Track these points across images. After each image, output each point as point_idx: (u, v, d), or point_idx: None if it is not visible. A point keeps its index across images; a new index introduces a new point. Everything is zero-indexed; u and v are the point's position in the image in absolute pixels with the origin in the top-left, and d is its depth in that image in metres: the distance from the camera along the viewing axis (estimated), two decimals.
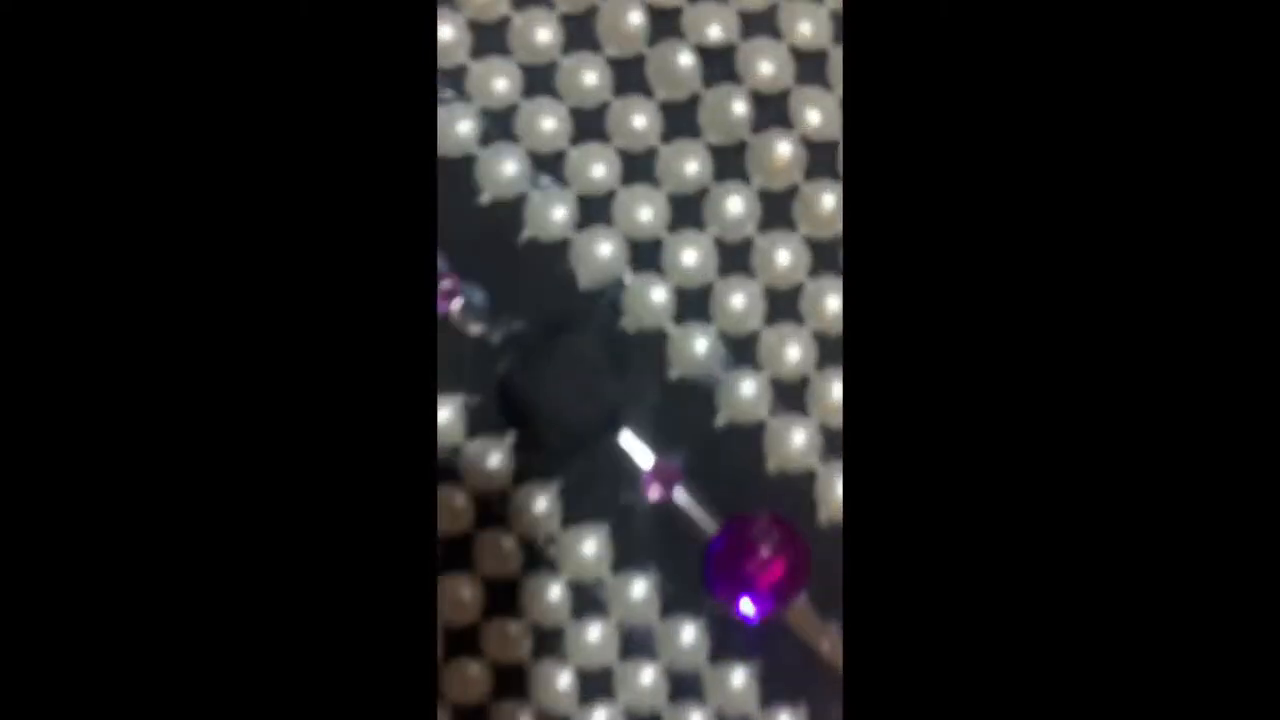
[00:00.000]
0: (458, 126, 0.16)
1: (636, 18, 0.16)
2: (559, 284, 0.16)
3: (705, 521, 0.16)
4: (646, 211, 0.16)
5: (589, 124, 0.16)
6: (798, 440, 0.16)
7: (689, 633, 0.16)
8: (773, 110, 0.16)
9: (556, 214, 0.16)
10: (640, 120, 0.16)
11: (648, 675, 0.16)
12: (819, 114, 0.16)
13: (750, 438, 0.16)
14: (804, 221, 0.16)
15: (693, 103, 0.16)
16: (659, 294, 0.16)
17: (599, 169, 0.16)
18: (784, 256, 0.16)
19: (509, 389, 0.16)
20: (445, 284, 0.16)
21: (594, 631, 0.16)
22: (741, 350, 0.16)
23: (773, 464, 0.16)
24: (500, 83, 0.16)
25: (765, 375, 0.16)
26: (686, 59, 0.16)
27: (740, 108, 0.16)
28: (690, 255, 0.16)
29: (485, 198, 0.16)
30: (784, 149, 0.16)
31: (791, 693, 0.16)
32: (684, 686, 0.16)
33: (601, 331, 0.16)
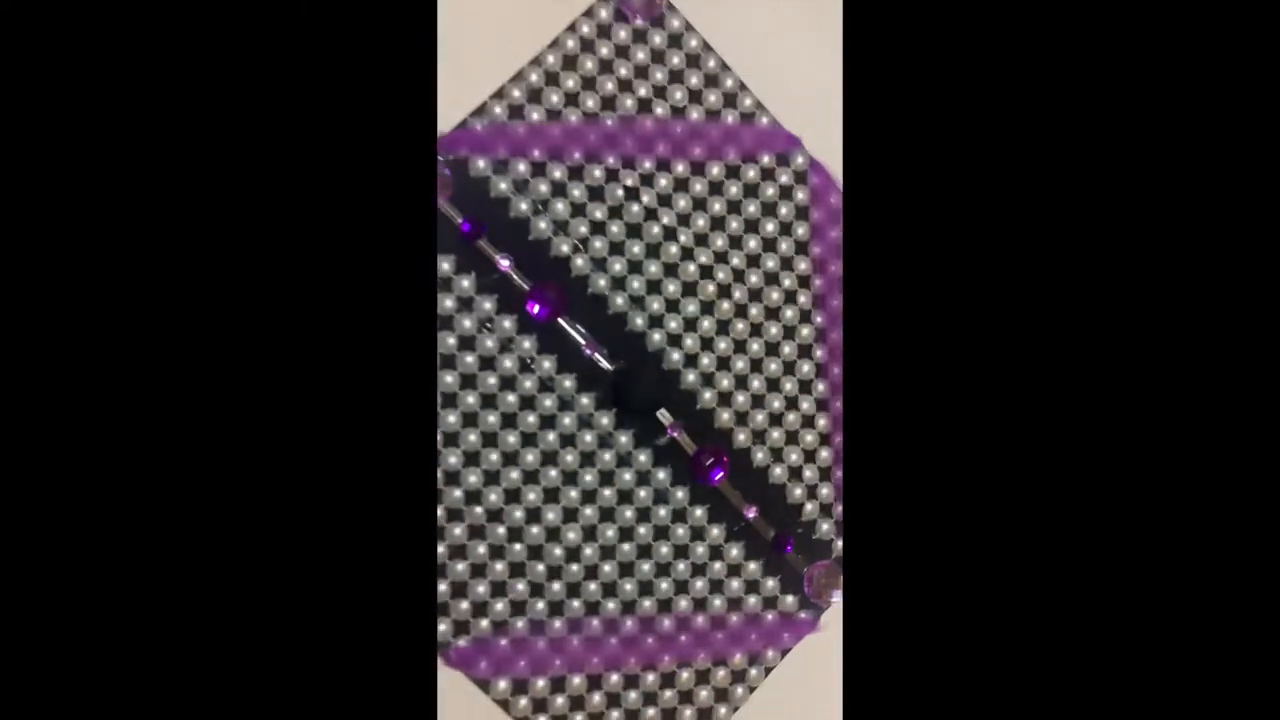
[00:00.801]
0: (598, 278, 0.38)
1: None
2: (635, 345, 0.39)
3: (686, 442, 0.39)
4: (672, 327, 0.39)
5: (656, 289, 0.39)
6: (723, 416, 0.39)
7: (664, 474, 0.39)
8: (757, 276, 0.39)
9: (639, 320, 0.39)
10: (672, 287, 0.39)
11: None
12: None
13: (711, 415, 0.39)
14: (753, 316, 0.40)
15: (710, 270, 0.39)
16: (679, 356, 0.39)
17: (655, 303, 0.39)
18: (735, 332, 0.39)
19: (615, 386, 0.38)
20: (586, 343, 0.38)
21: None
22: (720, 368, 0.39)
23: (718, 425, 0.39)
24: (618, 265, 0.39)
25: (718, 390, 0.39)
26: (705, 258, 0.39)
27: (723, 274, 0.39)
28: (686, 343, 0.39)
29: (595, 292, 0.39)
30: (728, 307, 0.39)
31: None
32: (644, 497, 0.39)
33: (654, 366, 0.39)
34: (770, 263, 0.40)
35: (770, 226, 0.40)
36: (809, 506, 0.40)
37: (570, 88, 0.38)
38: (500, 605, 0.37)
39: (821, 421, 0.41)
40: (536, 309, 0.37)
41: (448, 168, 0.36)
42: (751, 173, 0.40)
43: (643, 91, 0.39)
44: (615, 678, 0.38)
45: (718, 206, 0.39)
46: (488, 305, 0.37)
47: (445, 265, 0.36)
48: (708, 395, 0.39)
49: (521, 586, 0.37)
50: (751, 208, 0.40)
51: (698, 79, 0.39)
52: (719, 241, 0.39)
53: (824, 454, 0.40)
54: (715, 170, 0.39)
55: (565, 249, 0.38)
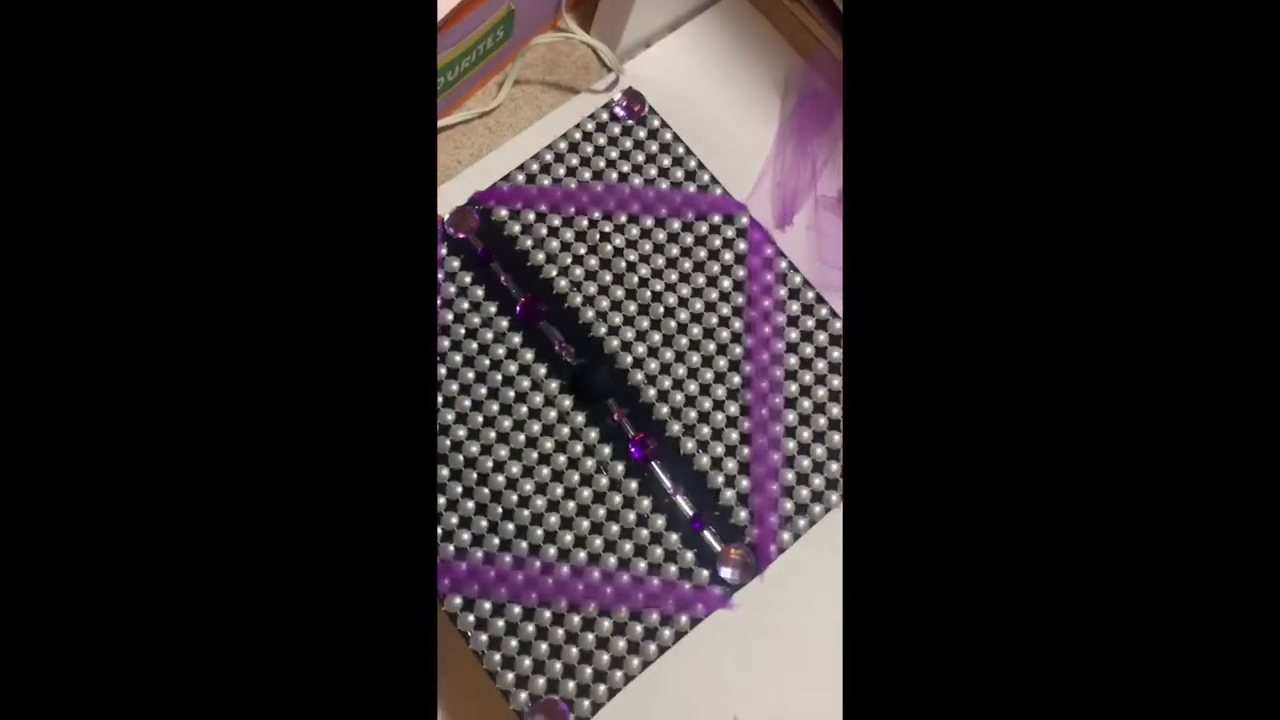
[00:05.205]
0: (574, 296, 0.51)
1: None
2: (596, 348, 0.50)
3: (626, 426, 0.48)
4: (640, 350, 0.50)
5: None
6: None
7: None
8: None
9: (602, 329, 0.50)
10: (631, 306, 0.50)
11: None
12: None
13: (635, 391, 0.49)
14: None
15: (661, 296, 0.50)
16: (628, 360, 0.50)
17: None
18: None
19: (575, 377, 0.49)
20: (557, 343, 0.50)
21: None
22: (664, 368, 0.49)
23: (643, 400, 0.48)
24: (591, 287, 0.51)
25: (656, 388, 0.49)
26: (659, 286, 0.50)
27: (672, 299, 0.50)
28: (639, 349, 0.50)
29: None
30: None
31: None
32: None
33: (608, 365, 0.49)
34: (713, 294, 0.50)
35: (715, 267, 0.51)
36: (727, 494, 0.47)
37: (572, 164, 0.52)
38: (465, 535, 0.47)
39: (745, 424, 0.48)
40: (519, 311, 0.50)
41: (477, 213, 0.51)
42: (704, 227, 0.51)
43: (625, 168, 0.52)
44: (546, 614, 0.46)
45: (675, 250, 0.51)
46: (492, 309, 0.50)
47: (467, 278, 0.50)
48: (650, 392, 0.49)
49: (484, 523, 0.47)
50: (702, 252, 0.51)
51: (669, 160, 0.52)
52: (673, 275, 0.51)
53: (744, 451, 0.48)
54: (675, 224, 0.51)
55: (553, 273, 0.51)
